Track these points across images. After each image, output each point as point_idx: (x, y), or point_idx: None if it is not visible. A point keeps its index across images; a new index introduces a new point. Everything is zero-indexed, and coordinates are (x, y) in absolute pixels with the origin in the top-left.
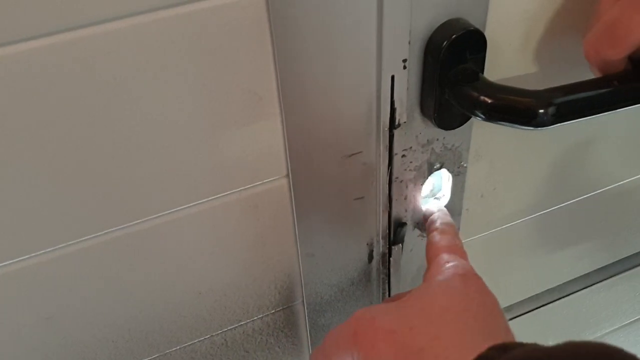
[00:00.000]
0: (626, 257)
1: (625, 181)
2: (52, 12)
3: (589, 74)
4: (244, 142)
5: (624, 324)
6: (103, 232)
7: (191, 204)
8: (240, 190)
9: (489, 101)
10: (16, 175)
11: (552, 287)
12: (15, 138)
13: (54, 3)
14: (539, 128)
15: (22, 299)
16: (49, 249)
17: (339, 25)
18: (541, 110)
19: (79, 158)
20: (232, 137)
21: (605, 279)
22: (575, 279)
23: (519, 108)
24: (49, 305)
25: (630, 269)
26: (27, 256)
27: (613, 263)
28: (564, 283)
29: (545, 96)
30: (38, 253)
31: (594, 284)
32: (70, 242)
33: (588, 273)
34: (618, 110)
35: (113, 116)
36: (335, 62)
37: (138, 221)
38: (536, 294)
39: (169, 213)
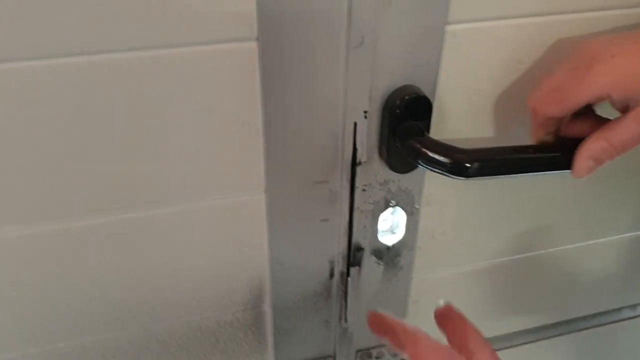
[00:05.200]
0: (573, 319)
1: (569, 246)
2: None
3: (520, 142)
4: (231, 158)
5: None
6: (103, 216)
7: (186, 203)
8: (226, 197)
9: (429, 154)
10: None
11: (499, 334)
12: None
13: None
14: (466, 179)
15: None
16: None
17: (316, 76)
18: (467, 164)
19: (98, 149)
20: (224, 152)
21: (550, 337)
22: (522, 331)
23: (450, 161)
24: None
25: (576, 331)
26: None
27: (559, 322)
28: (511, 333)
29: (472, 154)
30: None
31: (539, 340)
32: (72, 221)
33: (535, 327)
34: (533, 174)
35: (132, 124)
36: (310, 104)
37: (134, 211)
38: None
39: (163, 206)
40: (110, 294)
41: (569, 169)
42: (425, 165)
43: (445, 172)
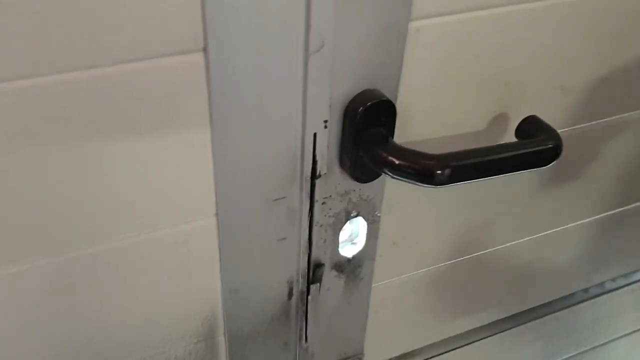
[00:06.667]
0: (531, 308)
1: (524, 239)
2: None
3: (489, 141)
4: (177, 182)
5: None
6: (41, 259)
7: (126, 236)
8: (172, 226)
9: (396, 162)
10: None
11: (460, 332)
12: None
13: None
14: (437, 186)
15: None
16: None
17: (271, 87)
18: (438, 172)
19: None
20: (167, 177)
21: (510, 328)
22: (483, 326)
23: (420, 169)
24: None
25: (534, 319)
26: None
27: (518, 313)
28: (471, 329)
29: (443, 159)
30: None
31: (499, 332)
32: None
33: (495, 321)
34: (508, 174)
35: (68, 152)
36: (265, 118)
37: (73, 250)
38: (444, 339)
39: (105, 242)
40: (55, 336)
41: (545, 165)
42: (392, 175)
43: (414, 180)
